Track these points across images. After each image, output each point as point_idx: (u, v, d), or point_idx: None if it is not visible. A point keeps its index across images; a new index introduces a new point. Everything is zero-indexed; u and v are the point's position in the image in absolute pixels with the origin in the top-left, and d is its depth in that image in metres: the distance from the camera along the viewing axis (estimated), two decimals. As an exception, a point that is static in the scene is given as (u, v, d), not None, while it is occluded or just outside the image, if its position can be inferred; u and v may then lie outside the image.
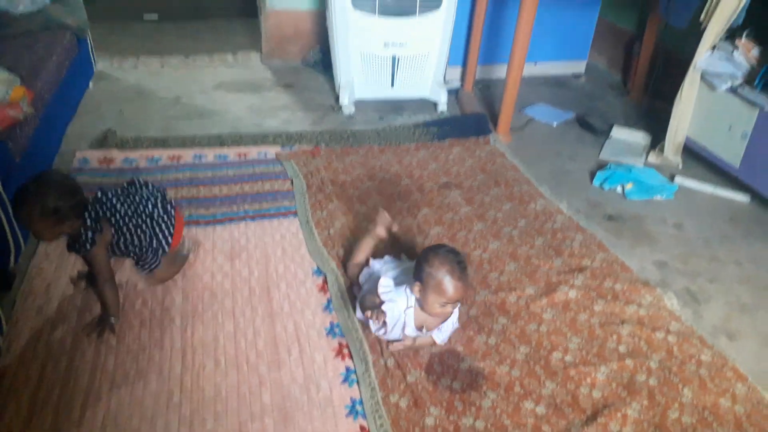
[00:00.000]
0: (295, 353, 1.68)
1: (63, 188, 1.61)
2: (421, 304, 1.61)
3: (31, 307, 1.78)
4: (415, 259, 1.68)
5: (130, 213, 1.74)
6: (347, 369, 1.64)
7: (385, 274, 1.72)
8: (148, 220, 1.77)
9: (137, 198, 1.78)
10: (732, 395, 1.62)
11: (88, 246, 1.63)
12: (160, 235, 1.79)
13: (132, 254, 1.78)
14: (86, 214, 1.65)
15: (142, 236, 1.75)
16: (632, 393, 1.61)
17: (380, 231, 1.99)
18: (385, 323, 1.62)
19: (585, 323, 1.84)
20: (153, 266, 1.82)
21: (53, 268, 1.93)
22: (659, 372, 1.67)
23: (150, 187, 1.83)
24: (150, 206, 1.78)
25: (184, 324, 1.75)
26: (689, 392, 1.62)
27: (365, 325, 1.74)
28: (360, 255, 1.95)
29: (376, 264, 1.87)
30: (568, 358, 1.72)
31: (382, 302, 1.61)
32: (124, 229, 1.72)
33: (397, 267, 1.84)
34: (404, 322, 1.64)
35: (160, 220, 1.79)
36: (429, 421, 1.49)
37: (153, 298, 1.84)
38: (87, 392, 1.53)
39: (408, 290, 1.63)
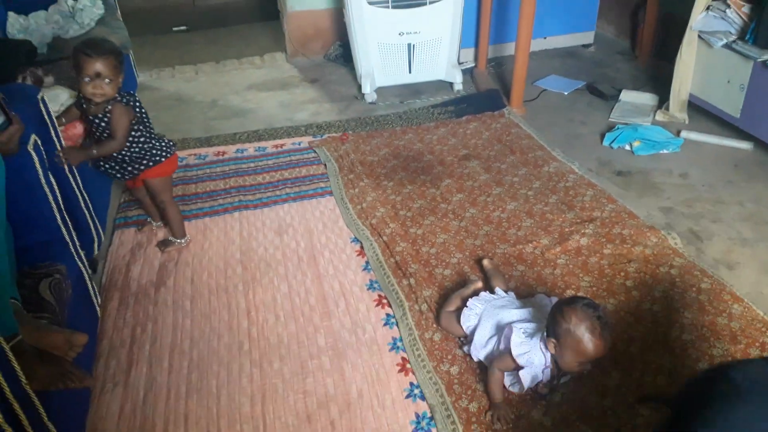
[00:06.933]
0: (342, 305, 1.96)
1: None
2: (557, 360, 1.50)
3: (116, 284, 2.09)
4: (509, 291, 1.75)
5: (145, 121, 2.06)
6: (387, 315, 1.91)
7: (514, 327, 1.55)
8: (149, 136, 2.06)
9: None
10: (728, 314, 1.83)
11: (124, 101, 1.93)
12: (148, 152, 2.06)
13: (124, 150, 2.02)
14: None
15: (139, 141, 2.04)
16: (638, 319, 1.83)
17: (478, 284, 1.90)
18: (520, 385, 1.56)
19: (595, 265, 2.07)
20: (127, 172, 2.07)
21: (128, 253, 2.25)
22: (662, 300, 1.90)
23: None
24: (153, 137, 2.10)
25: (245, 289, 2.04)
26: (689, 314, 1.84)
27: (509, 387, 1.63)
28: (455, 302, 1.84)
29: (476, 304, 1.74)
30: (580, 294, 1.95)
31: (519, 367, 1.52)
32: (139, 123, 2.01)
33: (504, 306, 1.72)
34: (541, 378, 1.56)
35: (155, 146, 2.08)
36: (458, 352, 1.75)
37: (217, 271, 2.14)
38: (172, 348, 1.83)
39: (543, 347, 1.51)
